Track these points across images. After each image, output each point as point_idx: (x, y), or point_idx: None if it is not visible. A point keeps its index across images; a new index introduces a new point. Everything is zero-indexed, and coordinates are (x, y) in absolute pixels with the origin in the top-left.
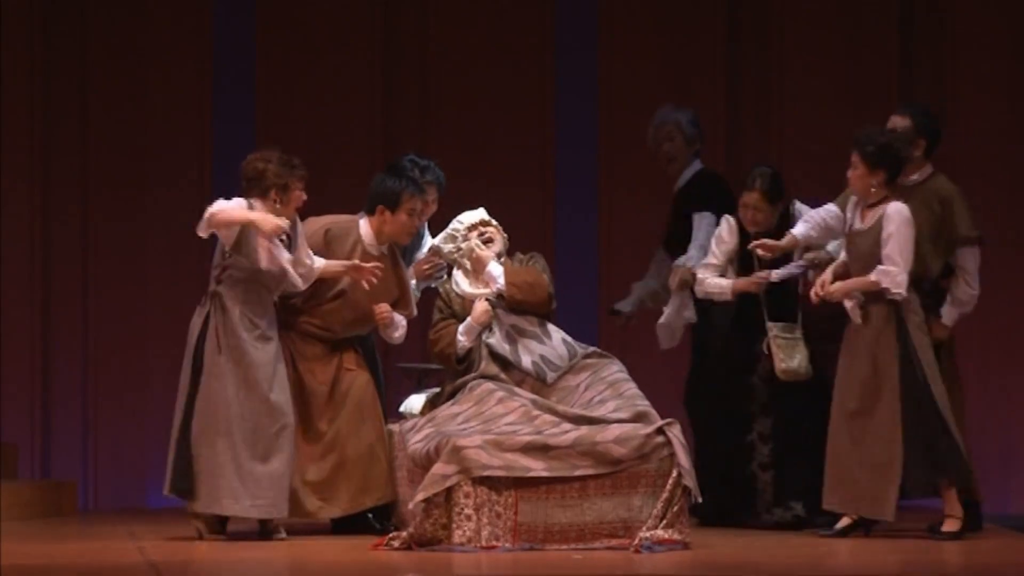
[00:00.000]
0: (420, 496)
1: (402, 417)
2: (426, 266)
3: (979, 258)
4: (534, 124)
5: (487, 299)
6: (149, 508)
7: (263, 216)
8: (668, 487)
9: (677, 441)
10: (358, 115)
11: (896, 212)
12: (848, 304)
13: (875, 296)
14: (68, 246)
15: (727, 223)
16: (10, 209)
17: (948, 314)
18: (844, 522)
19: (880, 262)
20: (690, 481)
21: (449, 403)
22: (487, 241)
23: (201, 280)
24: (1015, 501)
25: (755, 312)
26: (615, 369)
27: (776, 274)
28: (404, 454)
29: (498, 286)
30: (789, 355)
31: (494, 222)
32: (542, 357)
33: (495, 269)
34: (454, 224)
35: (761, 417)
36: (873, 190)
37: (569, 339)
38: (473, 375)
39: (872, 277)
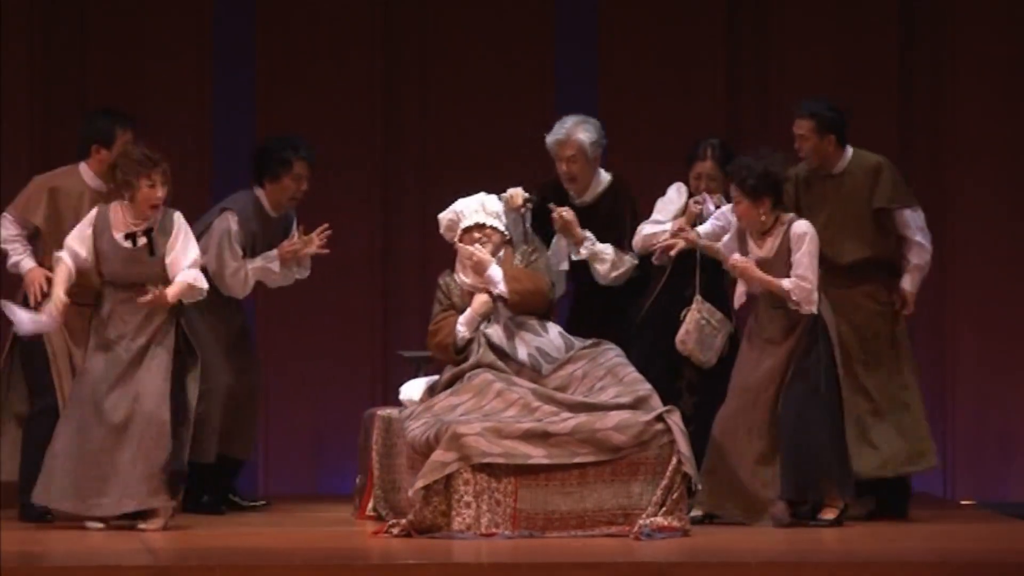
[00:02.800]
0: (419, 483)
1: (401, 403)
2: (288, 248)
3: (922, 218)
4: (534, 121)
5: (488, 291)
6: None
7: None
8: (668, 474)
9: (677, 428)
10: (358, 113)
11: (803, 231)
12: (739, 290)
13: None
14: None
15: (677, 189)
16: (10, 196)
17: (908, 281)
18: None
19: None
20: (690, 468)
21: (447, 392)
22: (483, 245)
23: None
24: (1014, 489)
25: (684, 288)
26: (612, 355)
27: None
28: (403, 441)
29: (498, 291)
30: (696, 335)
31: (490, 221)
32: (538, 349)
33: (495, 274)
34: (453, 213)
35: (687, 395)
36: (763, 219)
37: (566, 334)
38: (470, 363)
39: (786, 284)
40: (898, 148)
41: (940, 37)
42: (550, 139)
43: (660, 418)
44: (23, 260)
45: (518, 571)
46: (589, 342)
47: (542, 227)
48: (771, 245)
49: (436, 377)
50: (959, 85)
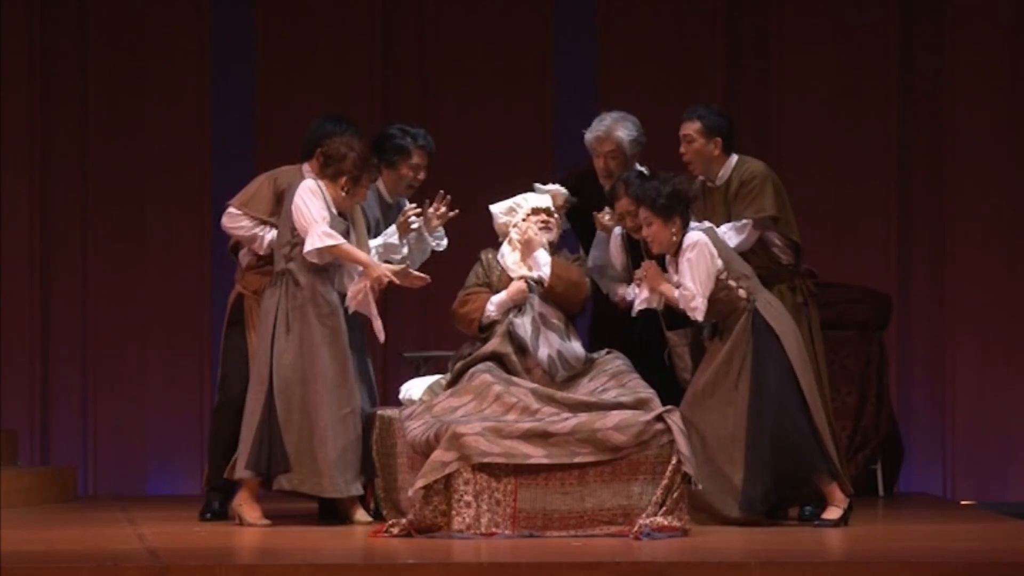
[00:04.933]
0: (419, 483)
1: (401, 403)
2: (402, 217)
3: (745, 237)
4: (534, 121)
5: (526, 280)
6: (148, 494)
7: (376, 264)
8: (668, 474)
9: (677, 428)
10: (358, 113)
11: (690, 242)
12: (647, 295)
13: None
14: (67, 233)
15: (615, 241)
16: (10, 196)
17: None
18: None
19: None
20: (690, 468)
21: (447, 393)
22: (543, 229)
23: (199, 268)
24: (1014, 489)
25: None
26: (619, 363)
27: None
28: (403, 441)
29: (541, 273)
30: (689, 363)
31: (556, 212)
32: (559, 353)
33: (542, 256)
34: (519, 199)
35: None
36: (674, 238)
37: (584, 350)
38: (485, 350)
39: (675, 295)
40: (898, 148)
41: (940, 37)
42: (589, 135)
43: (660, 418)
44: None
45: (518, 571)
46: (603, 352)
47: (577, 220)
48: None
49: (438, 376)
50: (959, 85)
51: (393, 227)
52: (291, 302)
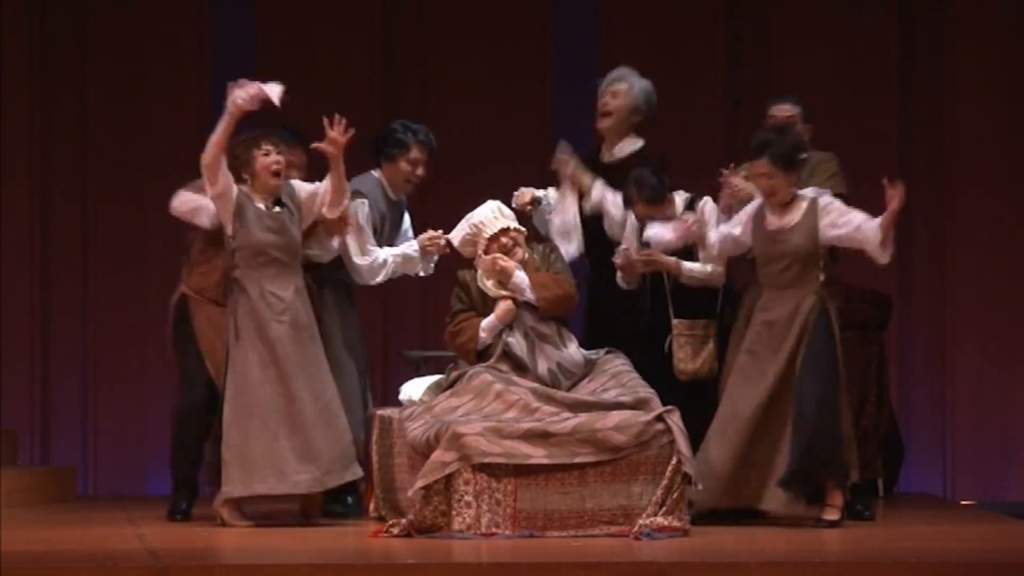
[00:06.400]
0: (420, 483)
1: (401, 403)
2: (429, 240)
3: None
4: (533, 121)
5: (512, 298)
6: (148, 494)
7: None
8: (668, 474)
9: (677, 428)
10: (358, 114)
11: (827, 200)
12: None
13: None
14: (68, 232)
15: (629, 239)
16: (10, 195)
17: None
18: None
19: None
20: (690, 468)
21: (447, 393)
22: (511, 248)
23: None
24: (1014, 489)
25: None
26: (619, 363)
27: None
28: (403, 441)
29: (527, 298)
30: (690, 355)
31: (512, 223)
32: (559, 365)
33: (521, 281)
34: (470, 227)
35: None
36: (793, 188)
37: (581, 349)
38: (478, 365)
39: (868, 228)
40: (898, 148)
41: (940, 37)
42: (604, 81)
43: (660, 418)
44: None
45: (518, 571)
46: (601, 351)
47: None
48: (795, 214)
49: (438, 377)
50: (959, 85)
51: (415, 241)
52: (242, 308)
